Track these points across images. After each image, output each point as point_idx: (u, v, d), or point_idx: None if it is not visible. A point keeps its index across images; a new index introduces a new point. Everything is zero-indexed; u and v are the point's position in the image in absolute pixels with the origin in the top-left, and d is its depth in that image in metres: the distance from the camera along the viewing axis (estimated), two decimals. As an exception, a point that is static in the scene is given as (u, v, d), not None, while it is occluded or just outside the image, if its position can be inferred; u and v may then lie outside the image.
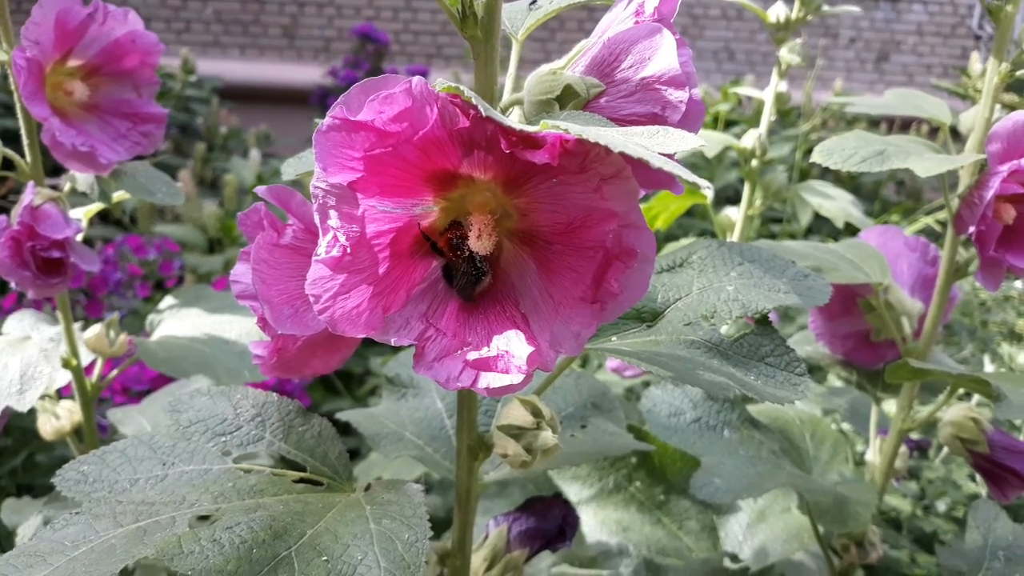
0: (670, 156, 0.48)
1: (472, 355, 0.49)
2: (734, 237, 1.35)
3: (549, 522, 0.77)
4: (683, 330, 0.64)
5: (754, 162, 1.31)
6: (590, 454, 0.79)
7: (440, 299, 0.52)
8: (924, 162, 0.82)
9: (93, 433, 1.07)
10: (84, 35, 0.93)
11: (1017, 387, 0.87)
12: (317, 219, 0.48)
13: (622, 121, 0.54)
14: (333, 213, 0.48)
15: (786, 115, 4.75)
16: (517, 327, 0.50)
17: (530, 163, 0.45)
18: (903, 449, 1.06)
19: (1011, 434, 1.02)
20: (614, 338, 0.66)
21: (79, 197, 0.98)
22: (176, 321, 1.08)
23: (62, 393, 1.16)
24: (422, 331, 0.50)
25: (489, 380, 0.48)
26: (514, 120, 0.41)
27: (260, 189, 0.60)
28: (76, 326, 1.06)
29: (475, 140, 0.47)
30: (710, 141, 1.27)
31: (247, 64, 7.80)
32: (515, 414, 0.61)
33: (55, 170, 1.00)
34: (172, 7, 7.86)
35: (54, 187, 0.97)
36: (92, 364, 1.08)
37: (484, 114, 0.40)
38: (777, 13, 1.29)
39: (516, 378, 0.48)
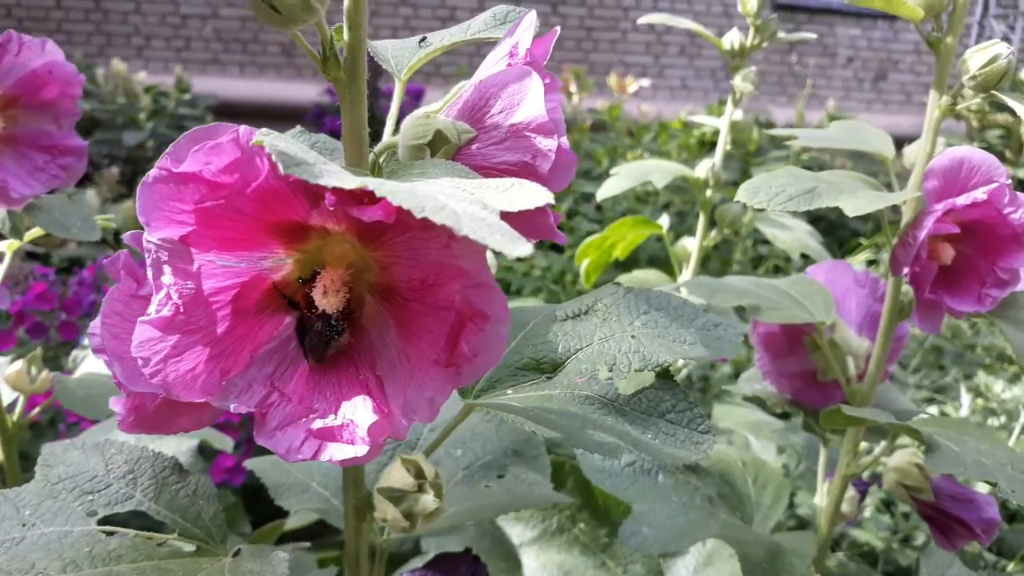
0: (533, 212, 0.45)
1: (317, 423, 0.46)
2: (689, 268, 1.32)
3: (457, 580, 0.74)
4: (579, 384, 0.60)
5: (708, 192, 1.28)
6: (502, 507, 0.75)
7: (290, 360, 0.48)
8: (855, 200, 0.78)
9: (15, 473, 1.04)
10: (-2, 66, 0.90)
11: (959, 435, 0.83)
12: (150, 275, 0.45)
13: (493, 170, 0.51)
14: (167, 269, 0.45)
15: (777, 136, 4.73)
16: (368, 392, 0.47)
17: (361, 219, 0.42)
18: (851, 493, 1.03)
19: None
20: (510, 391, 0.62)
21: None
22: (100, 357, 1.05)
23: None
24: (264, 396, 0.46)
25: (332, 452, 0.45)
26: (335, 176, 0.37)
27: (126, 236, 0.57)
28: (2, 360, 1.03)
29: (320, 191, 0.44)
30: (661, 171, 1.24)
31: (247, 82, 7.82)
32: (395, 476, 0.57)
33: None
34: (172, 25, 7.89)
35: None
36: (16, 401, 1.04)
37: (282, 170, 0.36)
38: (731, 40, 1.26)
39: (361, 450, 0.44)
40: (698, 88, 8.49)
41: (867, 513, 1.78)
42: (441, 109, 0.54)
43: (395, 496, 0.57)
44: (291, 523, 1.37)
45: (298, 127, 0.66)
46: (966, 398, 1.94)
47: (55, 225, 0.90)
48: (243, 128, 0.42)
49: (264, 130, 0.40)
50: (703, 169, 1.27)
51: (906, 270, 0.81)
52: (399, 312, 0.48)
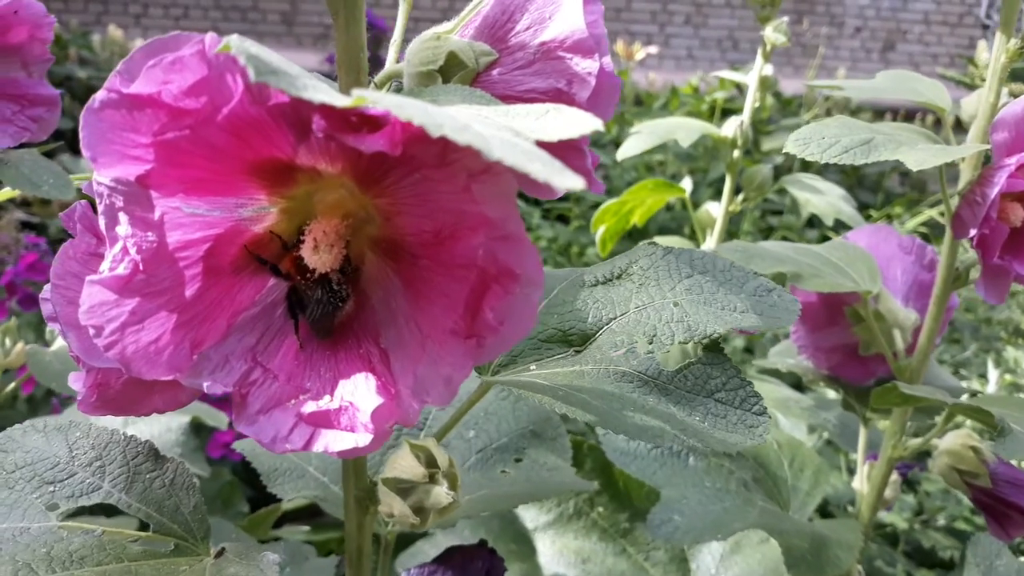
0: (569, 143, 0.37)
1: (309, 407, 0.37)
2: (714, 235, 1.23)
3: (470, 576, 0.66)
4: (615, 358, 0.52)
5: (736, 153, 1.18)
6: (521, 496, 0.68)
7: (276, 329, 0.40)
8: (917, 153, 0.69)
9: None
10: (-41, 6, 0.81)
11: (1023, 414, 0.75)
12: (103, 225, 0.37)
13: (519, 100, 0.42)
14: (123, 217, 0.36)
15: (787, 104, 4.61)
16: (371, 368, 0.38)
17: (360, 151, 0.33)
18: (894, 477, 0.95)
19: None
20: (533, 366, 0.54)
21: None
22: (80, 329, 0.97)
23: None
24: (244, 373, 0.38)
25: (328, 440, 0.37)
26: (323, 91, 0.29)
27: (85, 184, 0.48)
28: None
29: (307, 120, 0.35)
30: (687, 129, 1.15)
31: (245, 51, 7.67)
32: (402, 464, 0.49)
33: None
34: (171, -8, 7.75)
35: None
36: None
37: (253, 77, 0.28)
38: (762, -12, 1.16)
39: (363, 438, 0.36)
40: (704, 58, 8.33)
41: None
42: (455, 28, 0.45)
43: (403, 488, 0.49)
44: (290, 503, 1.30)
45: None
46: (994, 373, 1.86)
47: (24, 182, 0.81)
48: (210, 36, 0.33)
49: (235, 36, 0.32)
50: (731, 127, 1.17)
51: (973, 231, 0.72)
52: (407, 272, 0.40)
